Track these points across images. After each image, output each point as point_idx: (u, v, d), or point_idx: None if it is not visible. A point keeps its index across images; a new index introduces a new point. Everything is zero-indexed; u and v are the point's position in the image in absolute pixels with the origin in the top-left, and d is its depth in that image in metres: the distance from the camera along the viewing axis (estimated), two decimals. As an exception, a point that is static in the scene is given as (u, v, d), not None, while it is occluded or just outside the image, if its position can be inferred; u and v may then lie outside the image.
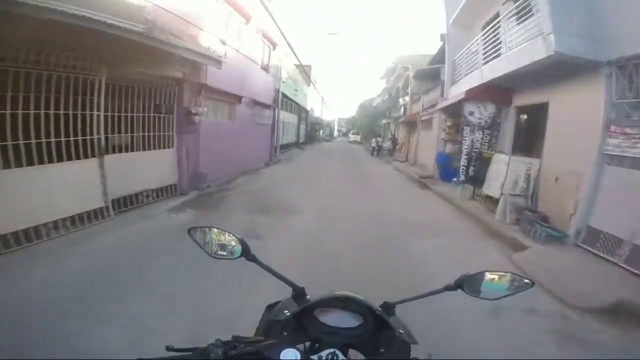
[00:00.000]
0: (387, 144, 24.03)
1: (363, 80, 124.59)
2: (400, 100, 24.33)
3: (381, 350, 0.83)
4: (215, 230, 0.98)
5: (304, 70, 33.46)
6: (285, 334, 0.83)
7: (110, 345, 2.27)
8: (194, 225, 1.00)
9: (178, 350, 0.69)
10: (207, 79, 7.41)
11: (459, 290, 0.90)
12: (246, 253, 0.94)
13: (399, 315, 0.93)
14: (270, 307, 0.95)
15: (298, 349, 0.69)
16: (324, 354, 0.78)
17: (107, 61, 4.78)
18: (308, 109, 30.19)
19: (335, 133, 64.37)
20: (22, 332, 2.31)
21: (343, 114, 73.23)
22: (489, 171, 6.84)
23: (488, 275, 0.92)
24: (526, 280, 0.92)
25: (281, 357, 0.66)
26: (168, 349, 0.69)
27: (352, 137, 45.99)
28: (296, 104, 24.04)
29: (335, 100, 75.78)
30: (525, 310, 3.10)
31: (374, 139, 24.12)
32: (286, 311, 0.87)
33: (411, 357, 0.83)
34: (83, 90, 4.60)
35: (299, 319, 0.86)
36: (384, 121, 32.98)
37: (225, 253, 0.97)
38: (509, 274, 0.93)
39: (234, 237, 0.97)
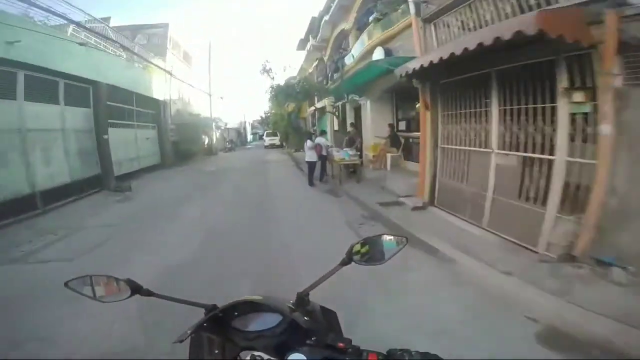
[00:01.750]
0: (342, 152, 9.54)
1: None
2: (357, 44, 10.41)
3: (312, 339, 0.79)
4: (95, 276, 0.95)
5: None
6: (217, 352, 0.84)
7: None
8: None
9: None
10: None
11: (353, 263, 0.96)
12: (138, 290, 0.92)
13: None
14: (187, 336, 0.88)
15: None
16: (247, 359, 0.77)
17: None
18: (160, 99, 14.46)
19: (249, 137, 50.42)
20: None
21: (257, 114, 58.79)
22: None
23: (369, 242, 1.00)
24: (401, 237, 1.01)
25: None
26: None
27: (267, 140, 31.20)
28: (84, 82, 8.41)
29: (246, 98, 60.77)
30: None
31: (309, 141, 9.58)
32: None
33: (338, 342, 0.77)
34: None
35: (226, 336, 0.85)
36: (314, 107, 18.85)
37: (114, 296, 0.94)
38: (384, 235, 1.01)
39: (118, 279, 0.94)
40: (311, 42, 17.64)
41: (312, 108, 19.28)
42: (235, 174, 12.72)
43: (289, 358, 0.74)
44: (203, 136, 22.13)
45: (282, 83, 15.97)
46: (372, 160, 9.67)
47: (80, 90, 8.84)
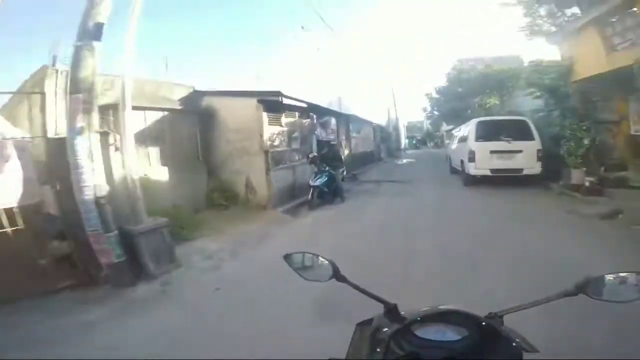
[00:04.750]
0: None
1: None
2: None
3: None
4: (307, 254, 1.03)
5: None
6: (379, 350, 0.79)
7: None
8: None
9: None
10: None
11: (580, 295, 0.82)
12: (336, 274, 0.97)
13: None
14: (361, 325, 0.93)
15: None
16: None
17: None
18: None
19: (404, 142, 39.20)
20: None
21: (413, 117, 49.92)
22: None
23: (611, 277, 0.84)
24: None
25: None
26: None
27: (489, 149, 8.61)
28: None
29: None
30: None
31: None
32: (386, 329, 0.81)
33: None
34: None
35: (393, 336, 0.83)
36: None
37: (317, 276, 1.01)
38: (634, 273, 0.83)
39: (324, 260, 1.00)
40: None
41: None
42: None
43: None
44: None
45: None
46: None
47: None
